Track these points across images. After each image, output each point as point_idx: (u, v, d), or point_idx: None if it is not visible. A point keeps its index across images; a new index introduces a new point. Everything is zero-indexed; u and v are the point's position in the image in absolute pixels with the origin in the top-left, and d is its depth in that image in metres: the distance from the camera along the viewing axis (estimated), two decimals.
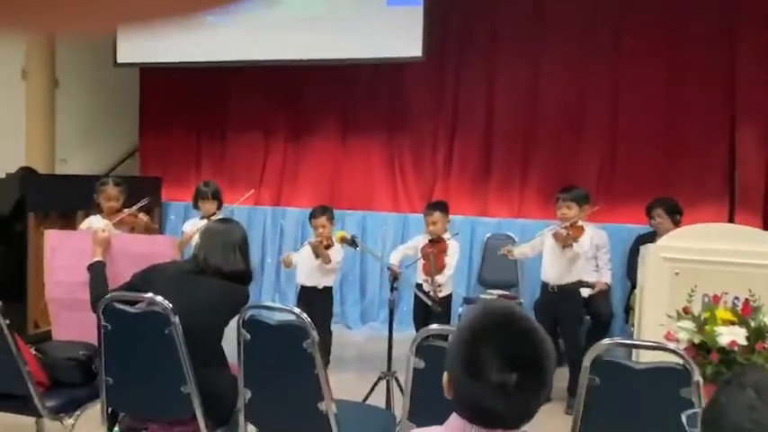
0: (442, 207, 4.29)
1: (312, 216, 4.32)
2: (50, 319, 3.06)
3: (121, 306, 2.30)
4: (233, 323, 2.30)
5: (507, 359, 1.08)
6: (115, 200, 3.83)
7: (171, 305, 2.19)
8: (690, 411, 1.26)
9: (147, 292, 2.31)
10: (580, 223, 3.88)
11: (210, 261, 2.45)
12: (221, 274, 2.44)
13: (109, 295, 2.32)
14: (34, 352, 2.59)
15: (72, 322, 2.87)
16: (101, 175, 5.34)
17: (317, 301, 4.20)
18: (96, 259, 2.71)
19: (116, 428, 2.45)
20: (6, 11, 0.34)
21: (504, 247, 4.28)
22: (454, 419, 1.16)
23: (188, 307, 2.25)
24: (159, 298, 2.21)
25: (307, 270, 4.28)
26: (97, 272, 2.64)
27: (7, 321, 2.32)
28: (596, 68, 5.34)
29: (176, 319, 2.18)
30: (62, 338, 2.91)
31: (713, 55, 5.03)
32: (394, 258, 4.28)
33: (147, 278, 2.43)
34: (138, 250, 3.03)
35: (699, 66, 5.06)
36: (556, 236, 3.84)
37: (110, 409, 2.42)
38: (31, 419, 2.71)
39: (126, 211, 3.82)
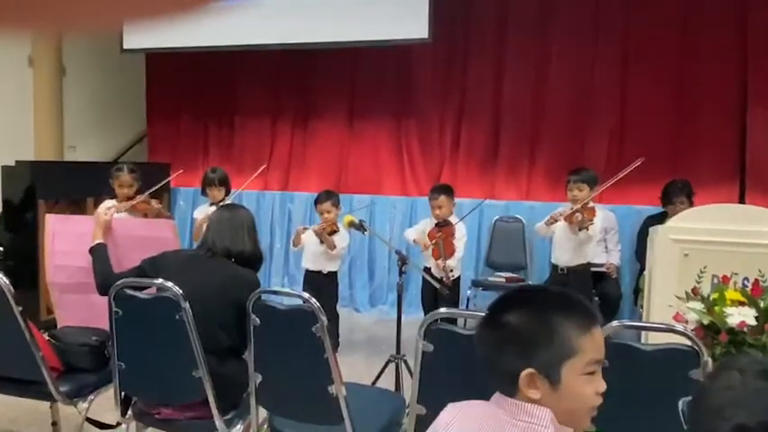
0: (447, 190, 4.29)
1: (317, 201, 4.32)
2: (53, 302, 3.04)
3: (132, 292, 2.32)
4: None
5: None
6: (128, 186, 3.87)
7: (181, 290, 2.21)
8: (687, 399, 1.25)
9: (155, 277, 2.33)
10: (591, 205, 3.86)
11: (218, 243, 2.46)
12: (229, 256, 2.46)
13: (120, 281, 2.33)
14: (47, 338, 2.62)
15: (74, 306, 2.88)
16: (110, 161, 5.35)
17: (321, 285, 4.22)
18: (97, 242, 2.69)
19: (129, 412, 2.48)
20: (9, 10, 0.34)
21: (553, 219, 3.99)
22: None
23: (196, 291, 2.26)
24: (169, 283, 2.23)
25: (311, 255, 4.30)
26: (100, 254, 2.64)
27: (20, 308, 2.35)
28: (606, 50, 5.28)
29: (186, 305, 2.20)
30: (65, 323, 2.92)
31: (725, 35, 4.96)
32: (414, 235, 4.36)
33: (156, 264, 2.44)
34: (138, 233, 3.04)
35: (710, 46, 4.99)
36: (570, 220, 3.82)
37: (123, 394, 2.45)
38: (46, 404, 2.76)
39: (139, 197, 3.84)
